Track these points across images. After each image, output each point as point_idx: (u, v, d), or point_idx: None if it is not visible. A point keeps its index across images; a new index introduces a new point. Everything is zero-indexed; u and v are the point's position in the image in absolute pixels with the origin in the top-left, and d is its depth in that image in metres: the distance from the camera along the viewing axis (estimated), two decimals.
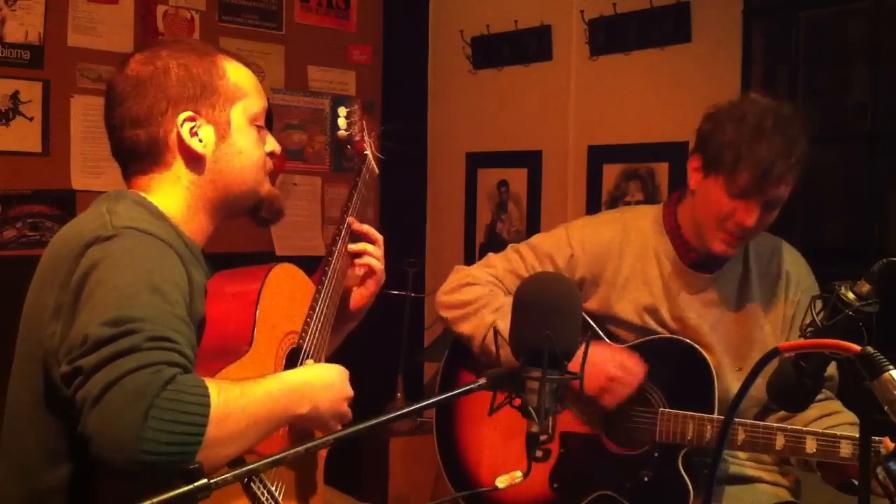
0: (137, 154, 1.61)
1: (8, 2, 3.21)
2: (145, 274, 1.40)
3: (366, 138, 2.01)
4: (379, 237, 1.95)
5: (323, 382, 1.58)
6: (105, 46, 3.39)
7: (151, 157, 1.60)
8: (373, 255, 1.93)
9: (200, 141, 1.60)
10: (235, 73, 1.65)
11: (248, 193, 1.69)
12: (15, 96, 3.25)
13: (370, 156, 2.01)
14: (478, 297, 2.27)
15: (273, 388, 1.47)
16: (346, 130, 1.99)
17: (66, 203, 3.30)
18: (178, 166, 1.61)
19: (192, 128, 1.59)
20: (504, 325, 2.15)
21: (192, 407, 1.30)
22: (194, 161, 1.61)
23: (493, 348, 2.19)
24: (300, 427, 1.65)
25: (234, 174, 1.65)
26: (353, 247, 1.92)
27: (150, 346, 1.31)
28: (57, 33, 3.32)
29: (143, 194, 1.60)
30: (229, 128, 1.63)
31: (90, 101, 3.35)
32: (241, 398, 1.39)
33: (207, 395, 1.33)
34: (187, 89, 1.59)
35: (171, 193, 1.61)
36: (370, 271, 1.95)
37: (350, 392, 1.63)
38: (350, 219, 1.91)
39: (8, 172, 3.24)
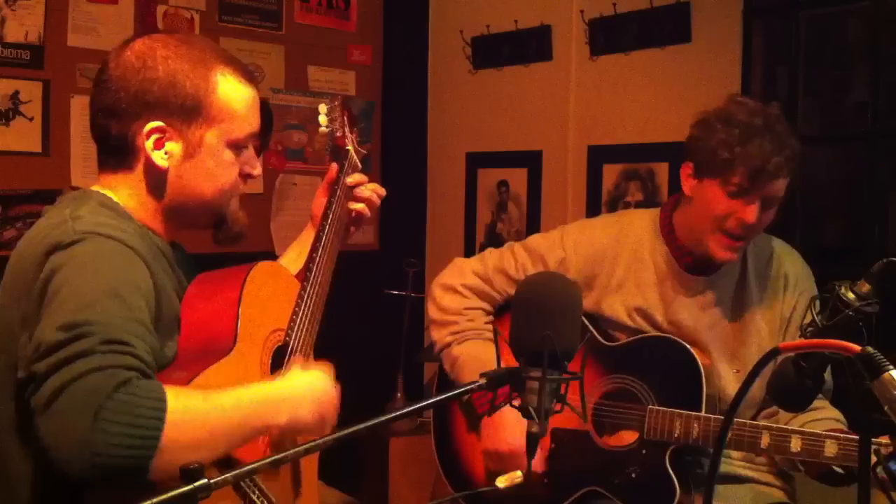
0: (106, 146, 1.59)
1: (8, 2, 3.21)
2: (106, 279, 1.38)
3: (347, 134, 2.02)
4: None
5: (303, 390, 1.53)
6: (105, 46, 3.37)
7: (118, 154, 1.58)
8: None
9: (165, 154, 1.56)
10: (229, 92, 1.58)
11: (207, 213, 1.65)
12: (15, 96, 3.25)
13: (352, 151, 2.01)
14: (454, 310, 2.34)
15: (244, 397, 1.43)
16: (326, 127, 2.00)
17: None
18: (140, 171, 1.58)
19: (158, 139, 1.55)
20: (455, 352, 2.28)
21: (144, 410, 1.27)
22: (155, 172, 1.57)
23: (443, 363, 2.31)
24: (286, 435, 1.62)
25: (196, 193, 1.61)
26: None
27: (103, 350, 1.29)
28: (57, 33, 3.31)
29: (108, 192, 1.58)
30: (200, 148, 1.58)
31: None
32: (203, 404, 1.36)
33: (163, 400, 1.29)
34: (168, 99, 1.54)
35: (135, 195, 1.59)
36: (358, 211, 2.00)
37: (334, 396, 1.60)
38: (332, 212, 1.92)
39: (8, 172, 3.24)
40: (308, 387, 1.56)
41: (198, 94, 1.55)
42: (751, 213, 2.02)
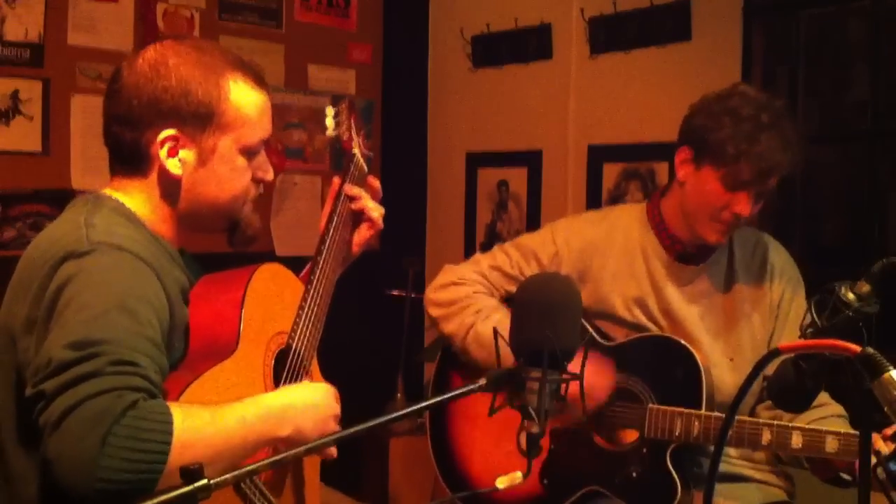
0: (120, 153, 1.59)
1: (8, 1, 3.21)
2: (117, 293, 1.38)
3: (354, 137, 2.01)
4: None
5: (306, 403, 1.53)
6: (105, 45, 3.38)
7: (132, 161, 1.58)
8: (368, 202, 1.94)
9: (178, 162, 1.56)
10: (241, 99, 1.58)
11: (220, 218, 1.65)
12: (15, 95, 3.25)
13: (358, 154, 2.01)
14: (461, 297, 2.31)
15: (248, 413, 1.43)
16: (333, 130, 1.99)
17: (66, 202, 3.27)
18: (154, 179, 1.58)
19: (172, 147, 1.55)
20: (482, 329, 2.23)
21: (152, 434, 1.27)
22: (169, 179, 1.57)
23: (471, 349, 2.26)
24: (286, 448, 1.62)
25: (209, 200, 1.61)
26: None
27: (112, 371, 1.29)
28: (57, 32, 3.31)
29: (120, 197, 1.58)
30: (213, 155, 1.58)
31: (90, 99, 3.34)
32: (209, 425, 1.36)
33: (170, 422, 1.29)
34: (180, 108, 1.54)
35: (147, 200, 1.59)
36: (365, 217, 1.95)
37: (337, 410, 1.60)
38: (337, 215, 1.91)
39: (8, 172, 3.24)
40: (311, 398, 1.56)
41: (210, 102, 1.56)
42: (747, 205, 2.05)
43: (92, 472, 1.23)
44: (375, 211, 1.95)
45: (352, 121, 2.01)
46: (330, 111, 1.99)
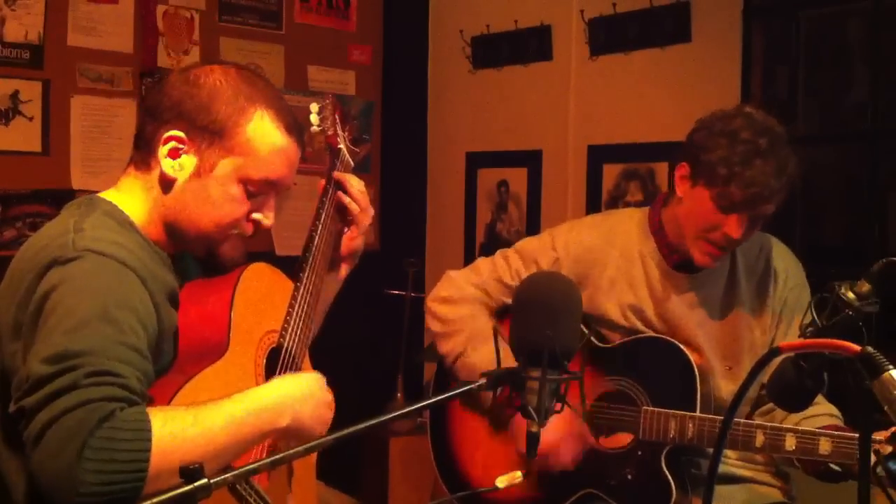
0: (138, 142, 1.60)
1: (8, 1, 3.21)
2: (99, 301, 1.37)
3: (338, 132, 2.02)
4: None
5: (302, 392, 1.54)
6: (105, 46, 3.39)
7: (144, 153, 1.59)
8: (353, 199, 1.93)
9: (177, 165, 1.55)
10: (258, 131, 1.57)
11: (199, 241, 1.61)
12: (15, 96, 3.25)
13: (344, 149, 2.01)
14: (459, 317, 2.31)
15: (237, 409, 1.42)
16: (318, 126, 2.00)
17: (66, 202, 3.28)
18: (156, 176, 1.58)
19: (174, 148, 1.55)
20: (469, 360, 2.21)
21: (129, 443, 1.27)
22: (165, 180, 1.57)
23: (459, 375, 2.25)
24: (287, 439, 1.60)
25: (193, 215, 1.57)
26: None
27: (89, 383, 1.28)
28: (57, 33, 3.32)
29: (118, 198, 1.58)
30: (210, 172, 1.56)
31: (90, 100, 3.34)
32: (193, 426, 1.35)
33: (147, 429, 1.29)
34: (197, 115, 1.54)
35: (145, 200, 1.58)
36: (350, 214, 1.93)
37: (329, 397, 1.60)
38: (324, 212, 1.90)
39: (8, 172, 3.24)
40: (305, 387, 1.56)
41: (227, 121, 1.55)
42: (738, 229, 2.03)
43: (72, 486, 1.24)
44: (358, 203, 1.92)
45: (336, 116, 2.02)
46: (314, 107, 2.00)
